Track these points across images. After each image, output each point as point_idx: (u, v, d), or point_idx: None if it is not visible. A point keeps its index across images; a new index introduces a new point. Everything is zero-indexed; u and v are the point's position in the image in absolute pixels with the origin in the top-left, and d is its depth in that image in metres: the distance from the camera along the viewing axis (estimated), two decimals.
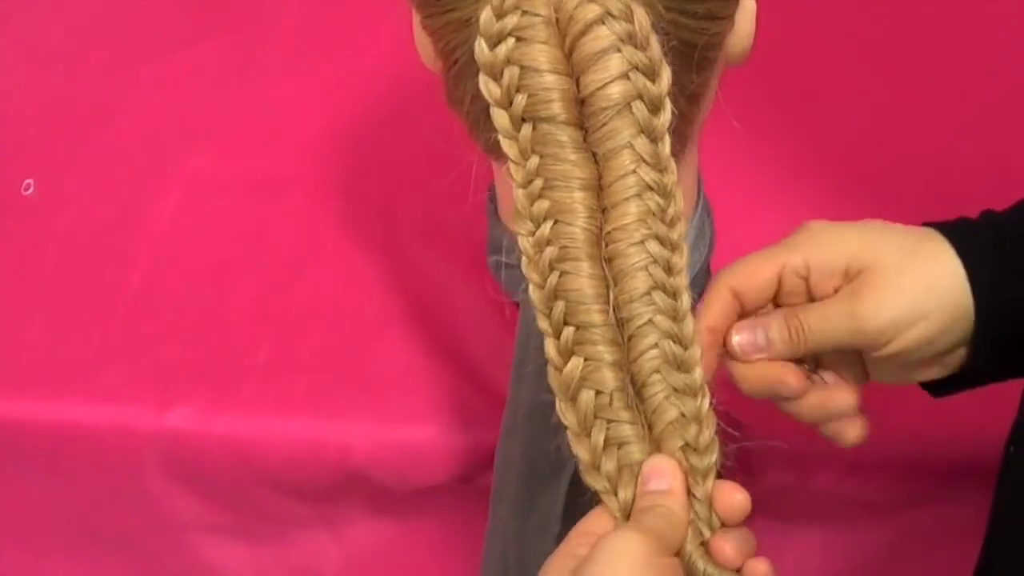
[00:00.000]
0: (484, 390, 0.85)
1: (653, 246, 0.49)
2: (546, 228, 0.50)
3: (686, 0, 0.53)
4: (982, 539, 0.62)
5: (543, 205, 0.50)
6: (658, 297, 0.49)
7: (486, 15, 0.49)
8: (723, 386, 0.86)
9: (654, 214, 0.49)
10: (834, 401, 0.60)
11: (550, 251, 0.50)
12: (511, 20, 0.49)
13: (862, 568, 0.90)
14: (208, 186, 1.00)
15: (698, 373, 0.50)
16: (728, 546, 0.50)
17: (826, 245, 0.58)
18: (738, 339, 0.58)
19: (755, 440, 0.80)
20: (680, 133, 0.59)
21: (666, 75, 0.48)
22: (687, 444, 0.50)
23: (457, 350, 0.88)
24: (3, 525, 0.95)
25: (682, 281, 0.49)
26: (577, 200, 0.50)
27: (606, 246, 0.50)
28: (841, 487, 0.84)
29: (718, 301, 0.58)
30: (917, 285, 0.57)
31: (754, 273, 0.58)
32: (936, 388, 0.63)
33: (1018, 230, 0.59)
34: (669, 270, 0.49)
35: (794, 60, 1.04)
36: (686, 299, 0.49)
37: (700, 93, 0.58)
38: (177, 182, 1.00)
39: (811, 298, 0.59)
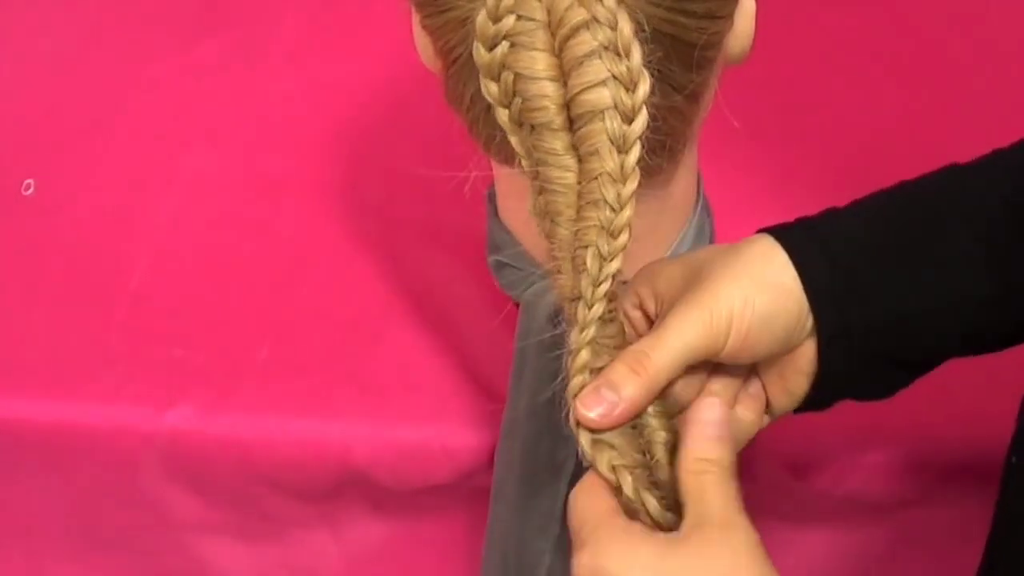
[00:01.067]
0: (484, 390, 0.85)
1: (592, 255, 0.50)
2: (546, 226, 0.52)
3: (685, 0, 0.53)
4: (981, 540, 0.62)
5: (541, 203, 0.52)
6: (580, 304, 0.51)
7: (481, 18, 0.49)
8: None
9: (602, 226, 0.50)
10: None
11: (551, 248, 0.52)
12: (506, 23, 0.49)
13: (862, 568, 0.90)
14: (208, 186, 1.00)
15: (575, 383, 0.52)
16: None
17: (655, 273, 0.59)
18: (589, 412, 0.52)
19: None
20: (679, 133, 0.59)
21: (644, 86, 0.49)
22: None
23: (457, 350, 0.88)
24: (3, 525, 0.95)
25: (601, 291, 0.51)
26: (567, 205, 0.51)
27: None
28: (841, 487, 0.84)
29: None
30: (735, 260, 0.57)
31: None
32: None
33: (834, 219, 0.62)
34: (595, 281, 0.51)
35: (794, 60, 1.04)
36: (597, 308, 0.51)
37: (699, 93, 0.58)
38: (177, 182, 1.00)
39: None
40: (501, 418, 0.76)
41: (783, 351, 0.58)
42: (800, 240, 0.58)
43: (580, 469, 0.71)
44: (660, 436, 0.53)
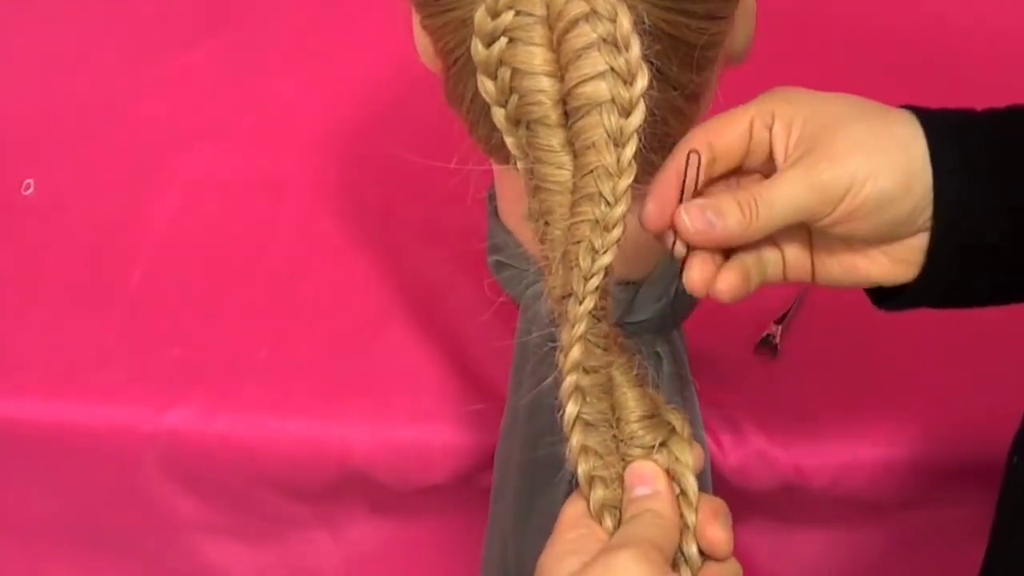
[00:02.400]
0: (484, 390, 0.85)
1: (584, 248, 0.50)
2: (539, 227, 0.52)
3: (686, 0, 0.53)
4: (982, 540, 0.62)
5: (535, 204, 0.51)
6: (571, 300, 0.51)
7: (480, 14, 0.49)
8: (722, 387, 0.86)
9: (596, 219, 0.50)
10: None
11: (543, 249, 0.52)
12: (505, 19, 0.49)
13: (862, 568, 0.90)
14: (208, 186, 1.00)
15: (568, 381, 0.52)
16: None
17: (792, 100, 0.57)
18: (688, 220, 0.53)
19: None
20: (680, 133, 0.59)
21: (642, 80, 0.49)
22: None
23: (457, 350, 0.88)
24: (3, 525, 0.95)
25: (592, 284, 0.50)
26: (560, 204, 0.51)
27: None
28: (841, 487, 0.84)
29: (686, 147, 0.56)
30: (874, 131, 0.55)
31: (727, 125, 0.56)
32: (885, 300, 0.60)
33: (992, 124, 0.59)
34: (586, 274, 0.50)
35: (794, 60, 1.04)
36: (588, 302, 0.50)
37: (700, 92, 0.58)
38: (177, 182, 1.00)
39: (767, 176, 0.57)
40: (501, 418, 0.76)
41: (886, 238, 0.57)
42: (943, 135, 0.56)
43: None
44: (634, 455, 0.53)
